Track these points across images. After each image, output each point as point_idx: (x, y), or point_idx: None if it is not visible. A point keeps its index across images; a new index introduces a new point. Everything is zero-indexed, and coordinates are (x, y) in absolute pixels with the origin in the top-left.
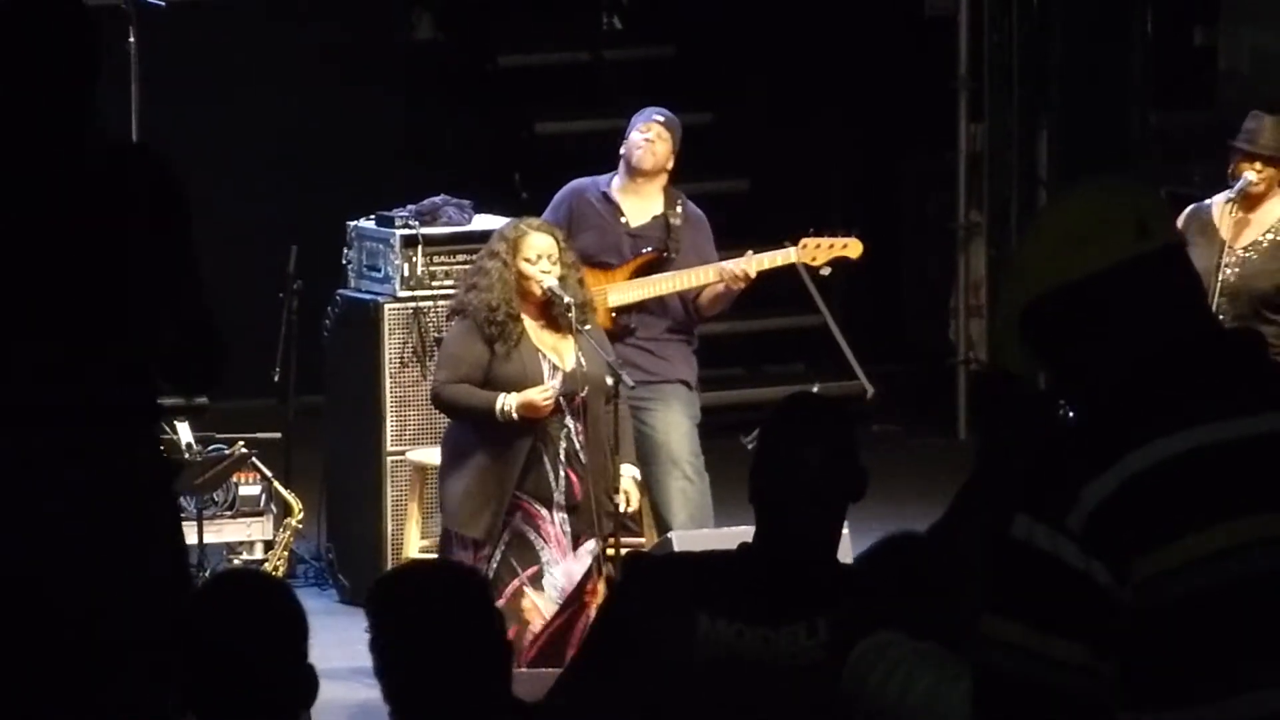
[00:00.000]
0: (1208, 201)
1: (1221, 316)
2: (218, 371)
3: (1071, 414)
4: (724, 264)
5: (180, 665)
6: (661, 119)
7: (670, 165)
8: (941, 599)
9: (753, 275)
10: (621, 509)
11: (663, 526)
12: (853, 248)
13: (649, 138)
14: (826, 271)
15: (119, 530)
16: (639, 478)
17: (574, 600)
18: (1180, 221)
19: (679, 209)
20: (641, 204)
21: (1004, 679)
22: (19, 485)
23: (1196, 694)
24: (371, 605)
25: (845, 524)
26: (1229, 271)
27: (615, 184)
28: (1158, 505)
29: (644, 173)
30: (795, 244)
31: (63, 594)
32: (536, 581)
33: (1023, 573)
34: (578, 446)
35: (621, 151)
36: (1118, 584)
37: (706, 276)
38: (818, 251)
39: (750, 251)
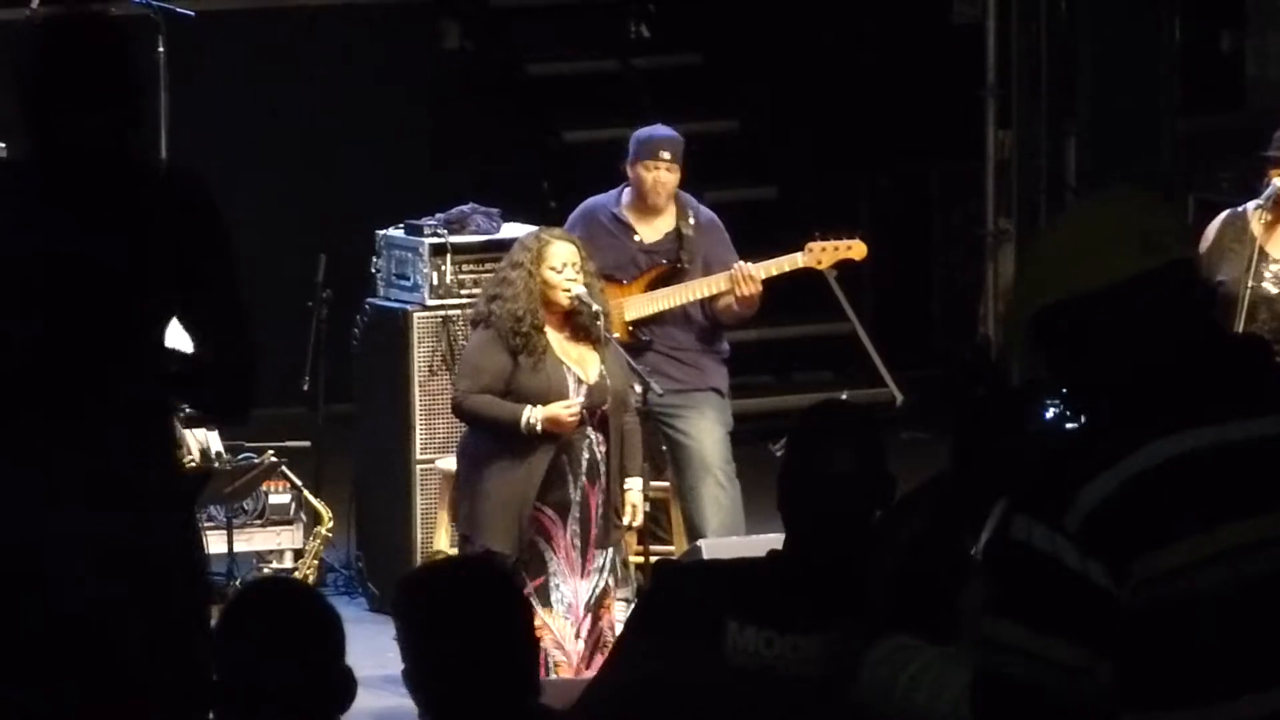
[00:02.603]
0: (1241, 208)
1: (1261, 326)
2: (248, 404)
3: (1069, 419)
4: (732, 269)
5: (211, 673)
6: (669, 155)
7: (679, 180)
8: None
9: (759, 278)
10: (626, 523)
11: (695, 533)
12: (857, 250)
13: (657, 176)
14: (834, 274)
15: (132, 534)
16: (647, 492)
17: (593, 626)
18: (1216, 228)
19: (691, 218)
20: (653, 219)
21: (1004, 680)
22: (31, 487)
23: (1195, 695)
24: (398, 602)
25: None
26: (1271, 281)
27: (625, 201)
28: (1157, 506)
29: (660, 206)
30: (801, 249)
31: (74, 598)
32: (543, 595)
33: (1022, 574)
34: (599, 458)
35: (629, 175)
36: (1116, 585)
37: (718, 285)
38: (823, 255)
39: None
